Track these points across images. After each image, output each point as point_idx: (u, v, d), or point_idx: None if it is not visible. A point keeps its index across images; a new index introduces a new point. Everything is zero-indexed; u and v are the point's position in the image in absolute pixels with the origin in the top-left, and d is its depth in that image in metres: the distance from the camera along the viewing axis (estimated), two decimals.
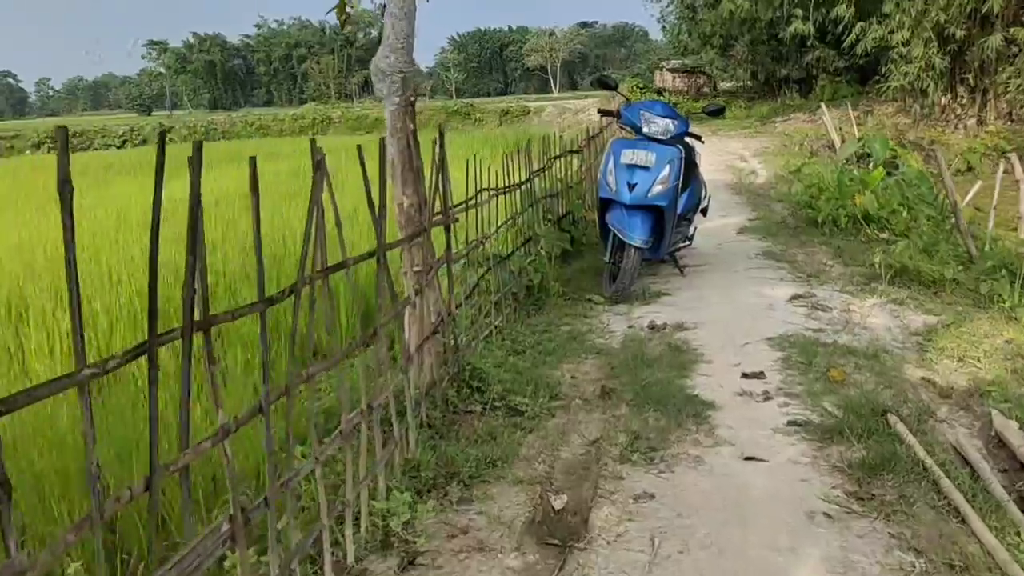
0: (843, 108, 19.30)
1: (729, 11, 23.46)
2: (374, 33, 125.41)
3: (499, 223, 5.86)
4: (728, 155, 16.42)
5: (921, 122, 18.26)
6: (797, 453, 3.48)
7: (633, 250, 5.94)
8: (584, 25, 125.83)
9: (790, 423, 3.78)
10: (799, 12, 18.46)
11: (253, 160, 2.23)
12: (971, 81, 17.33)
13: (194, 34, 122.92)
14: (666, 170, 6.02)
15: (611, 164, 6.14)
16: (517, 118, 38.71)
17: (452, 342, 4.26)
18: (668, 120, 6.21)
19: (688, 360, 4.67)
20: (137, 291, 6.09)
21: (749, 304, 5.79)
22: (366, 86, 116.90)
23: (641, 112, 6.24)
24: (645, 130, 6.19)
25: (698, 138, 6.71)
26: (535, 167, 7.06)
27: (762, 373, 4.40)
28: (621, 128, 6.86)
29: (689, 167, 6.71)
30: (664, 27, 37.90)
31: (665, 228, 6.14)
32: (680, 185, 6.16)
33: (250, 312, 2.22)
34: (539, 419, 3.93)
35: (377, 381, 3.16)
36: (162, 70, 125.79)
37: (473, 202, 5.11)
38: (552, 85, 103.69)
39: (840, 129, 16.37)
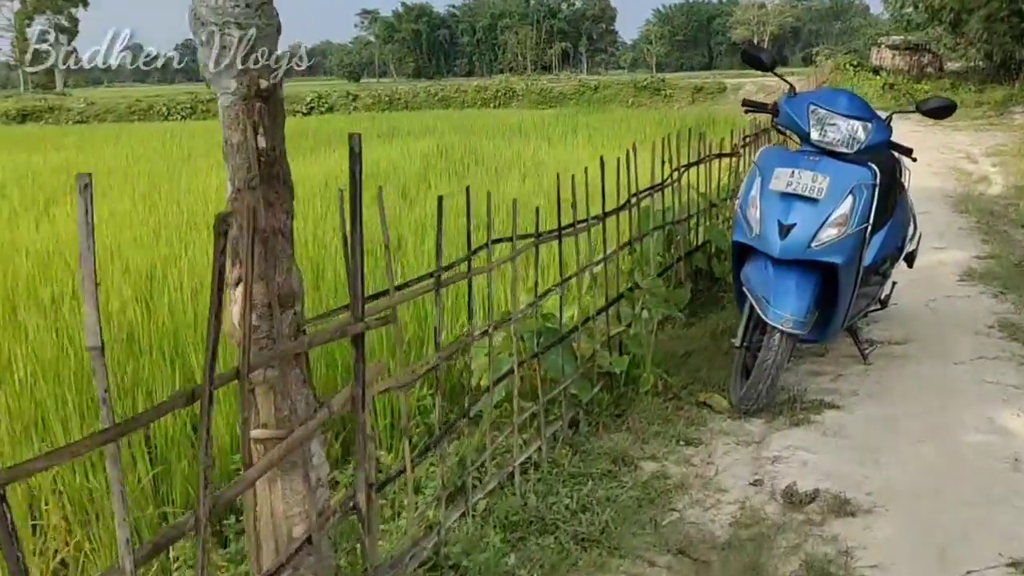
0: None
1: None
2: (578, 4, 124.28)
3: (582, 266, 3.76)
4: (952, 153, 13.25)
5: None
6: None
7: (779, 335, 3.64)
8: None
9: None
10: None
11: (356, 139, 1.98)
12: None
13: (403, 4, 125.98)
14: (847, 204, 3.67)
15: (755, 190, 3.84)
16: (711, 96, 35.90)
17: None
18: (857, 123, 3.82)
19: None
20: None
21: (977, 450, 3.34)
22: (565, 59, 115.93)
23: (811, 107, 3.86)
24: (815, 136, 3.83)
25: (907, 152, 4.27)
26: (669, 172, 4.86)
27: None
28: (779, 132, 4.51)
29: (887, 195, 4.31)
30: None
31: (839, 296, 3.80)
32: (871, 227, 3.79)
33: None
34: None
35: None
36: (372, 38, 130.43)
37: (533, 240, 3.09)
38: None
39: None
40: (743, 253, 3.92)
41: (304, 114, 39.17)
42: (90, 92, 68.60)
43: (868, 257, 4.25)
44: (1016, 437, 3.44)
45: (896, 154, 4.24)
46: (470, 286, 2.99)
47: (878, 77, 30.13)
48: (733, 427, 3.66)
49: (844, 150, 3.79)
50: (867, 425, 3.62)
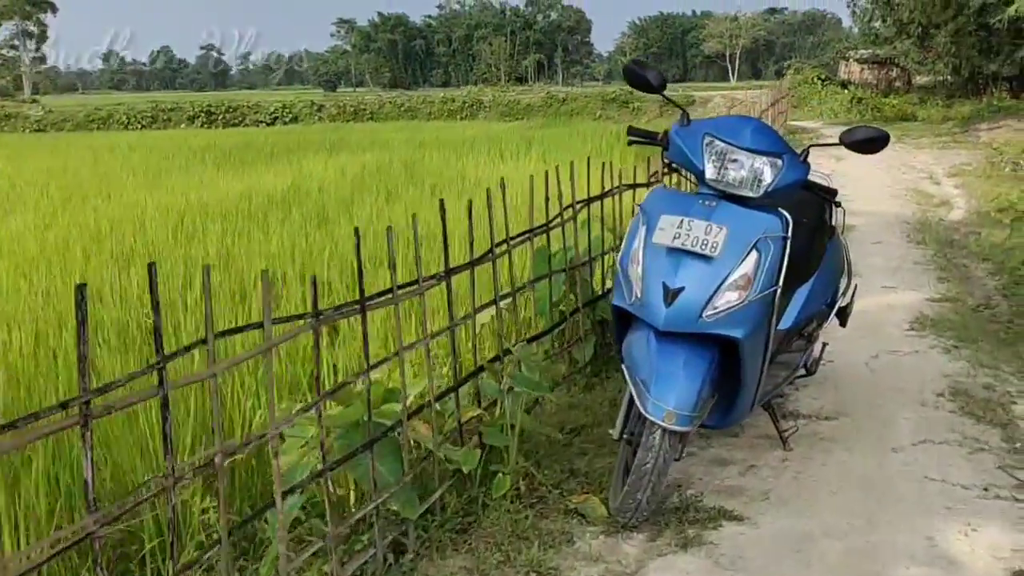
0: None
1: None
2: (553, 16, 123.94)
3: (455, 321, 2.97)
4: (913, 173, 12.58)
5: None
6: None
7: (660, 432, 2.86)
8: (772, 11, 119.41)
9: None
10: None
11: None
12: None
13: (379, 14, 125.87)
14: (749, 262, 2.89)
15: (638, 241, 3.06)
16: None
17: None
18: (764, 159, 3.04)
19: None
20: None
21: None
22: (540, 69, 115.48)
23: (708, 138, 3.10)
24: (712, 176, 3.04)
25: (830, 195, 3.49)
26: (563, 206, 4.11)
27: None
28: (669, 168, 3.69)
29: (810, 243, 3.56)
30: (855, 12, 33.30)
31: (744, 376, 3.02)
32: (783, 287, 3.02)
33: None
34: None
35: None
36: (348, 48, 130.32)
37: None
38: (730, 74, 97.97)
39: None
40: (625, 320, 3.14)
41: (268, 124, 38.60)
42: (61, 100, 67.33)
43: (788, 319, 3.50)
44: (961, 571, 2.66)
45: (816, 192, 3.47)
46: (270, 360, 2.21)
47: (846, 91, 29.69)
48: (605, 548, 2.86)
49: (748, 193, 3.02)
50: (773, 548, 2.82)
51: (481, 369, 3.30)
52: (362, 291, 2.59)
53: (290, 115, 40.10)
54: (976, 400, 4.03)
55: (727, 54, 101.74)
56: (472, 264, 3.25)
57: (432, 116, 38.51)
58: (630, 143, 3.39)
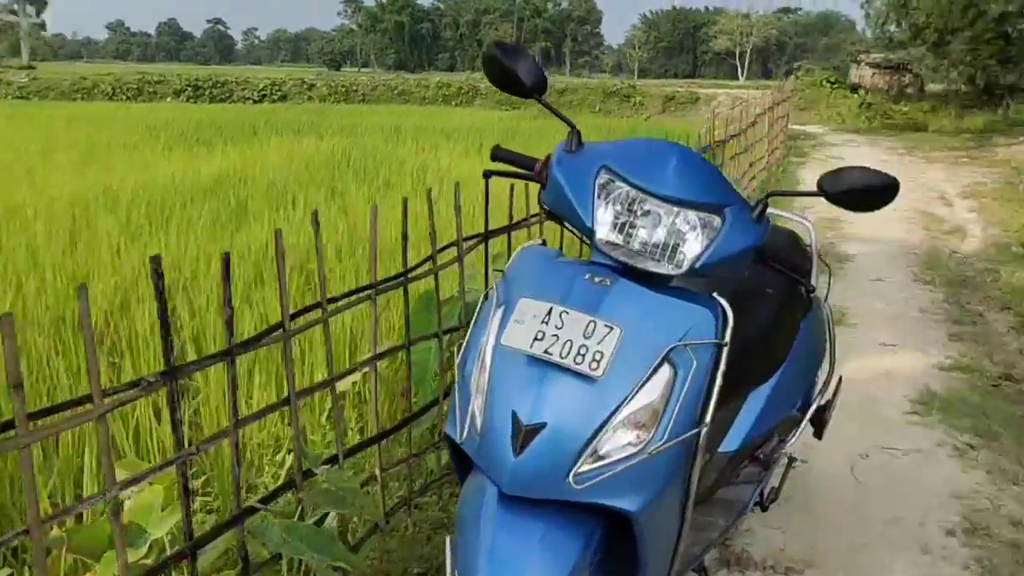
0: None
1: None
2: (564, 4, 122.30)
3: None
4: (923, 192, 11.36)
5: None
6: None
7: None
8: (786, 11, 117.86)
9: None
10: None
11: None
12: None
13: None
14: (655, 386, 1.70)
15: (487, 334, 1.88)
16: (683, 106, 34.18)
17: None
18: (693, 214, 1.83)
19: None
20: None
21: None
22: (547, 58, 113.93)
23: (604, 173, 1.89)
24: (606, 236, 1.84)
25: (801, 275, 2.29)
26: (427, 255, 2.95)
27: None
28: (550, 216, 2.44)
29: (771, 331, 2.41)
30: (868, 14, 32.01)
31: (643, 557, 1.85)
32: (722, 397, 1.84)
33: None
34: None
35: None
36: (355, 28, 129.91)
37: None
38: (739, 72, 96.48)
39: None
40: (461, 456, 1.96)
41: (255, 101, 37.54)
42: (56, 67, 66.06)
43: (734, 438, 2.36)
44: None
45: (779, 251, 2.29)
46: None
47: (856, 95, 28.44)
48: None
49: (665, 268, 1.84)
50: None
51: (249, 513, 2.13)
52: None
53: (279, 93, 39.00)
54: (1002, 544, 2.86)
55: (737, 52, 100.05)
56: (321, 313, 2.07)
57: (426, 101, 37.35)
58: (486, 176, 2.18)
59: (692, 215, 1.84)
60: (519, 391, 1.75)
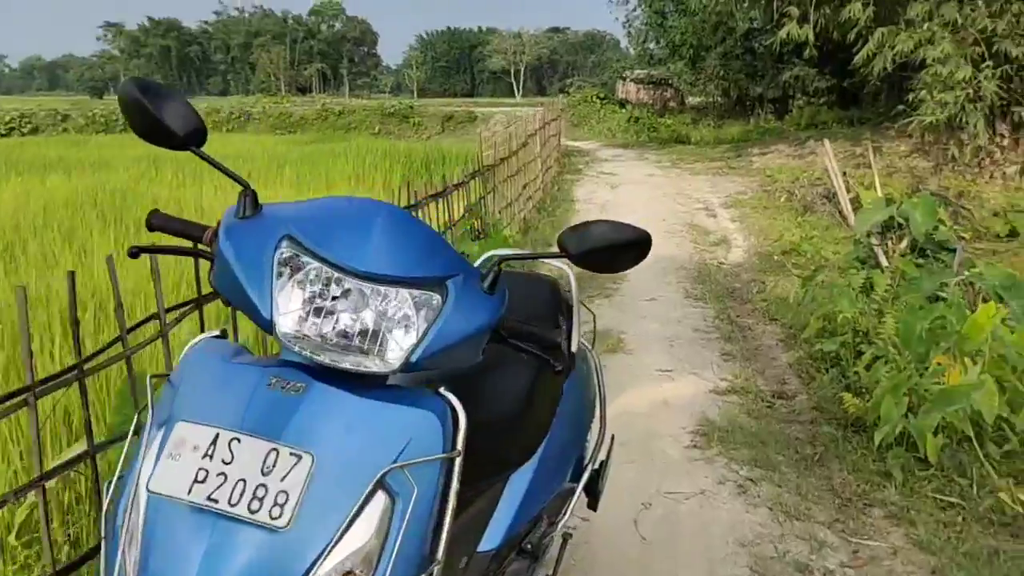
0: (841, 142, 14.84)
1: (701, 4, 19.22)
2: (337, 26, 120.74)
3: None
4: (689, 203, 11.69)
5: (945, 167, 13.73)
6: None
7: None
8: (555, 30, 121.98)
9: None
10: (794, 11, 13.64)
11: None
12: (1018, 116, 12.84)
13: (149, 18, 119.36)
14: (366, 525, 1.30)
15: (140, 472, 1.42)
16: (461, 124, 34.30)
17: None
18: (405, 292, 1.44)
19: None
20: None
21: None
22: (325, 80, 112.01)
23: (288, 245, 1.44)
24: (291, 329, 1.40)
25: (550, 350, 1.95)
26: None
27: None
28: (224, 301, 1.99)
29: (524, 413, 2.06)
30: (630, 33, 33.61)
31: None
32: (442, 546, 1.45)
33: None
34: None
35: None
36: (117, 52, 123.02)
37: None
38: (515, 90, 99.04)
39: (845, 175, 11.71)
40: None
41: (2, 136, 34.15)
42: None
43: (493, 535, 1.99)
44: None
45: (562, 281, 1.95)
46: None
47: (624, 110, 29.60)
48: None
49: (371, 366, 1.43)
50: None
51: None
52: None
53: (29, 126, 35.83)
54: None
55: (512, 70, 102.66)
56: None
57: None
58: (133, 255, 1.68)
59: (404, 293, 1.45)
60: (181, 551, 1.29)
